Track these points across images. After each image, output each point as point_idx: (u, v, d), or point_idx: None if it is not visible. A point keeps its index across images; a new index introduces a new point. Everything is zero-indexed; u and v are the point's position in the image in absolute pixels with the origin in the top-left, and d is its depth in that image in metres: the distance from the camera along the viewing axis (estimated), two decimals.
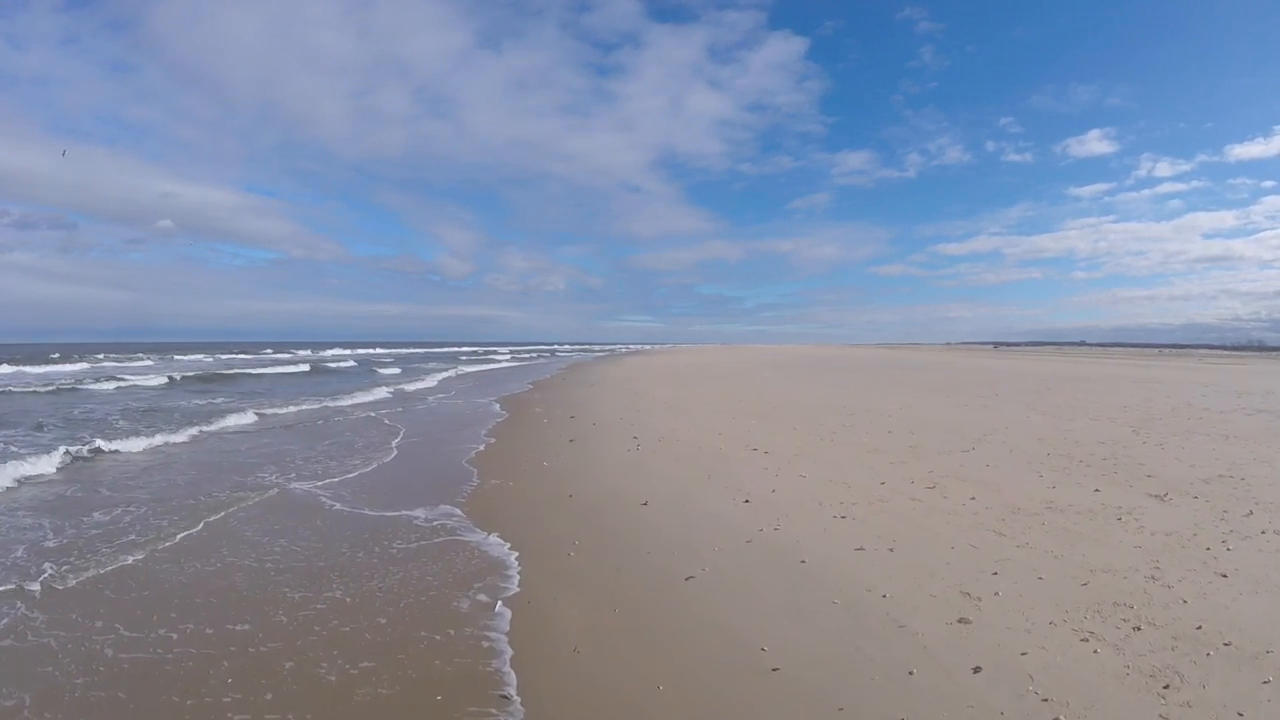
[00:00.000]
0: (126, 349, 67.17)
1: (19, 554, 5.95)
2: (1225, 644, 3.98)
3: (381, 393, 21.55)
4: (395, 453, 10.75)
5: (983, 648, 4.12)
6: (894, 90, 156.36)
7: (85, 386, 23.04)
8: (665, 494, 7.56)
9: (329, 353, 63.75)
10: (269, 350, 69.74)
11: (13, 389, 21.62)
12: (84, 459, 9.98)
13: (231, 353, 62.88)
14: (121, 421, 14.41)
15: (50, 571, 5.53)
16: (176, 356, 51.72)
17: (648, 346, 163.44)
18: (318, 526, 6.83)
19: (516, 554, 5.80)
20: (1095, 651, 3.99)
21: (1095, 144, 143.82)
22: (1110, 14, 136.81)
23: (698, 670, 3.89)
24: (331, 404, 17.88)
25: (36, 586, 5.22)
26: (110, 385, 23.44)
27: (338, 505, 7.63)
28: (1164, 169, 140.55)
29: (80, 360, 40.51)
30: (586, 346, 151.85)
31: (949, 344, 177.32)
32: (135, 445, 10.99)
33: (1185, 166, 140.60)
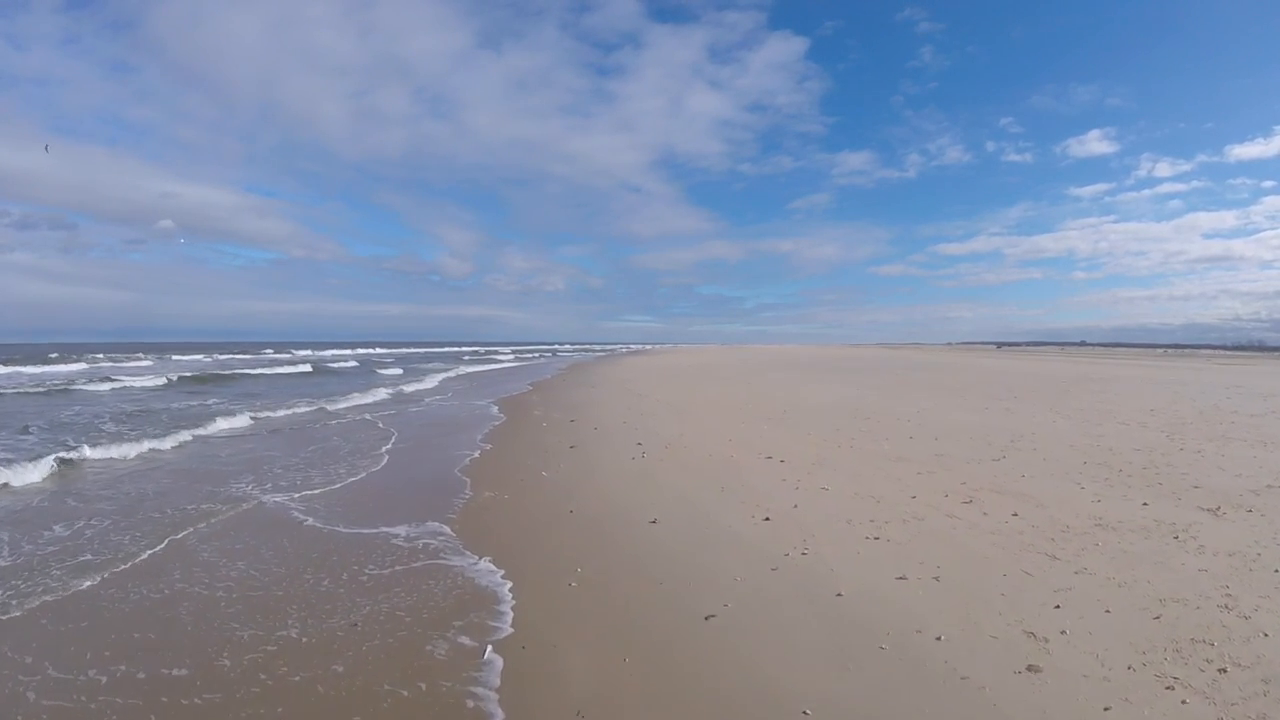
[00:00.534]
0: (126, 349, 66.63)
1: None
2: None
3: (379, 394, 20.91)
4: (385, 460, 10.05)
5: (1060, 703, 3.49)
6: (894, 90, 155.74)
7: (78, 388, 22.57)
8: (676, 509, 6.84)
9: (330, 353, 63.16)
10: (269, 350, 69.27)
11: (5, 390, 21.07)
12: (66, 464, 9.46)
13: (231, 353, 62.37)
14: (109, 425, 13.88)
15: None
16: (176, 357, 51.35)
17: (649, 346, 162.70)
18: (283, 547, 6.15)
19: (510, 584, 5.08)
20: (1184, 702, 3.42)
21: (1095, 144, 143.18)
22: (1110, 14, 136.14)
23: None
24: (327, 406, 17.19)
25: None
26: (105, 387, 23.01)
27: (311, 521, 6.94)
28: (1164, 169, 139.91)
29: (78, 360, 40.35)
30: (587, 347, 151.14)
31: (948, 344, 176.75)
32: (116, 452, 10.35)
33: (1185, 166, 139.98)
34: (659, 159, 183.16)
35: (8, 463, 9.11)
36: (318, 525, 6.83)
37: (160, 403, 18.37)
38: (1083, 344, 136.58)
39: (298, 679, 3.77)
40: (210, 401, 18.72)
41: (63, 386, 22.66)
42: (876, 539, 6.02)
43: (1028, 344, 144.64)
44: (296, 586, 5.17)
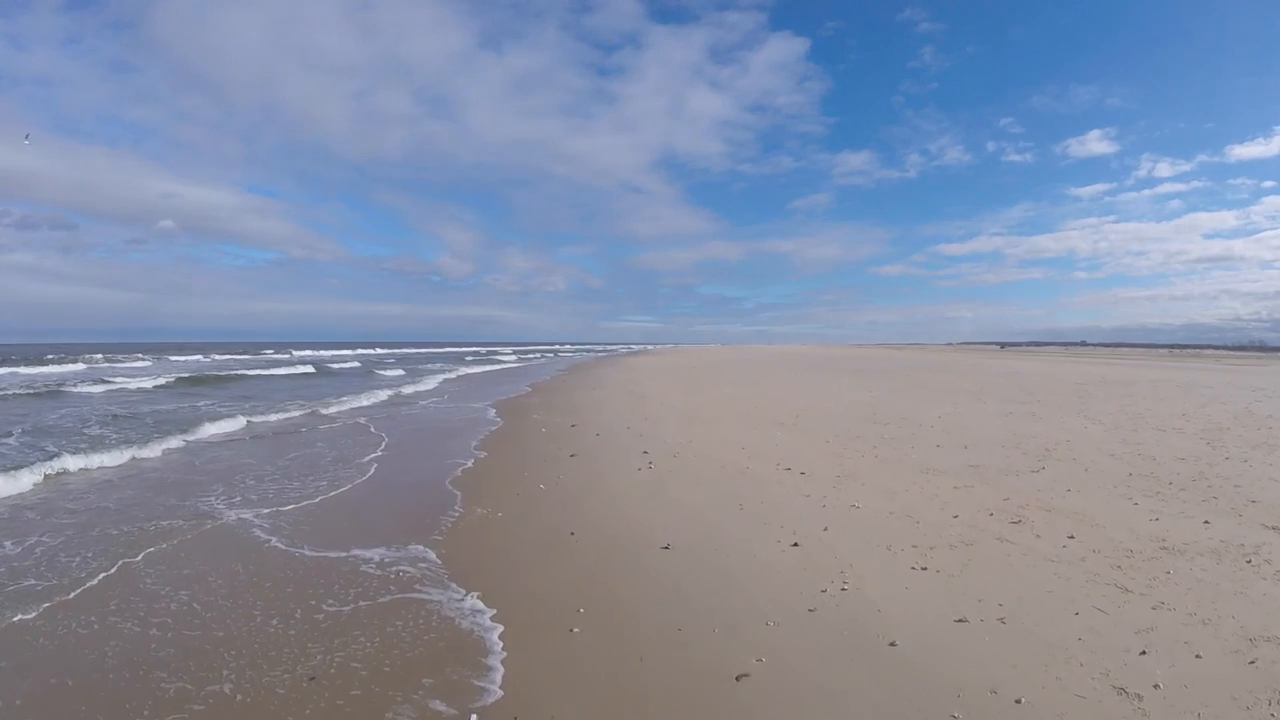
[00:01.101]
0: (125, 350, 66.08)
1: None
2: None
3: (376, 397, 20.17)
4: (371, 470, 9.26)
5: None
6: (894, 91, 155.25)
7: (70, 390, 21.94)
8: (690, 532, 6.06)
9: (330, 354, 62.45)
10: (269, 351, 68.60)
11: None
12: (38, 473, 8.75)
13: (231, 353, 61.71)
14: (94, 429, 13.21)
15: None
16: (175, 357, 50.91)
17: (650, 347, 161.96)
18: (236, 574, 5.40)
19: (500, 628, 4.29)
20: None
21: (1095, 144, 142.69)
22: (1110, 14, 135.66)
23: None
24: (322, 410, 16.42)
25: None
26: (98, 388, 22.51)
27: (275, 542, 6.20)
28: (1164, 169, 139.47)
29: (76, 361, 40.02)
30: (589, 347, 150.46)
31: (949, 344, 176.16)
32: (92, 461, 9.57)
33: (1185, 167, 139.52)
34: (659, 159, 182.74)
35: None
36: (281, 547, 6.07)
37: (151, 405, 17.69)
38: (1083, 344, 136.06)
39: None
40: (202, 404, 18.03)
41: (55, 388, 22.06)
42: (924, 569, 5.25)
43: (1028, 344, 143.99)
44: (240, 626, 4.41)
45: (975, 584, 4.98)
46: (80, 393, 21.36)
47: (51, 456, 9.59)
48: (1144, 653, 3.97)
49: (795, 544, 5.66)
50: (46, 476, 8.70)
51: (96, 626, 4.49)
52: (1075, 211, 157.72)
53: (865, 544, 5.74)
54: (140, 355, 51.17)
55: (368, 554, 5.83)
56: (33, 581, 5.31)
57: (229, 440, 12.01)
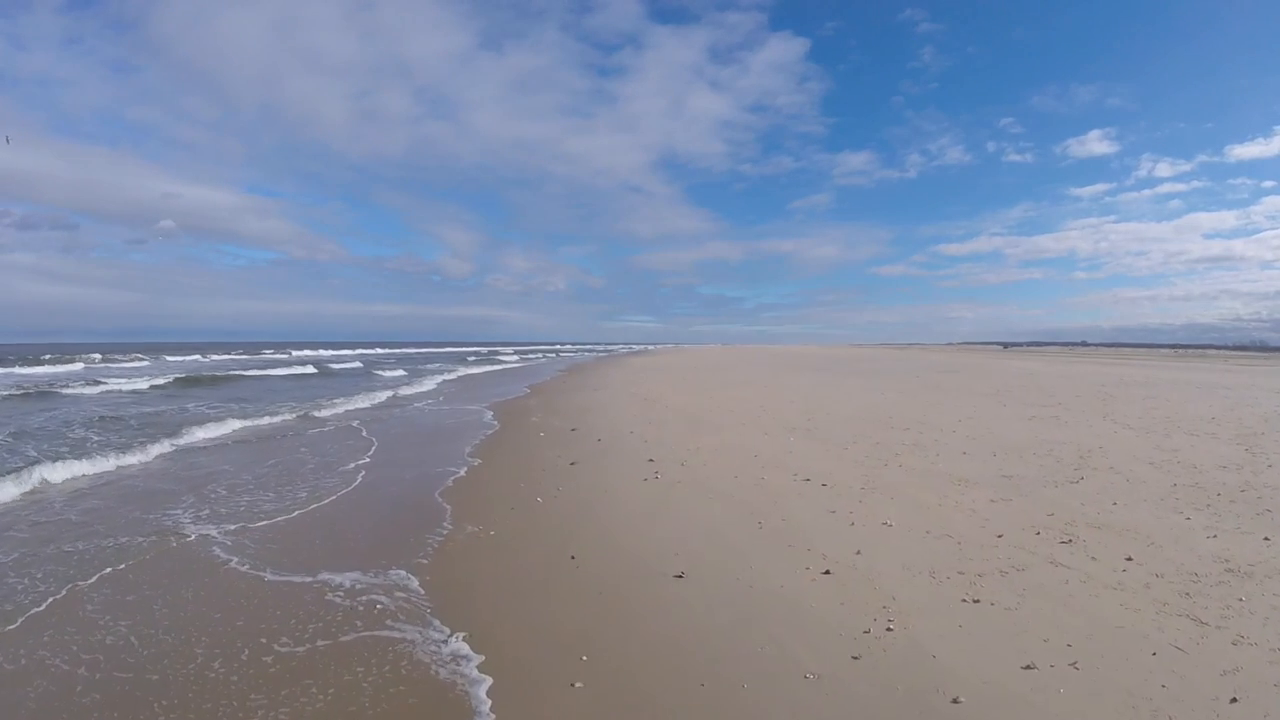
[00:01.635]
0: (124, 350, 65.60)
1: None
2: None
3: (373, 398, 19.58)
4: (357, 479, 8.60)
5: None
6: (895, 91, 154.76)
7: (61, 391, 21.42)
8: (705, 556, 5.38)
9: (329, 354, 61.81)
10: (268, 351, 68.01)
11: None
12: (21, 483, 8.20)
13: (231, 354, 61.12)
14: (79, 432, 12.71)
15: None
16: (174, 358, 50.42)
17: (650, 347, 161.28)
18: (185, 602, 4.80)
19: (489, 680, 3.61)
20: None
21: (1096, 144, 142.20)
22: (1110, 14, 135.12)
23: None
24: (315, 412, 15.77)
25: None
26: (92, 390, 22.08)
27: (236, 563, 5.60)
28: (1164, 169, 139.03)
29: (74, 362, 39.67)
30: (589, 347, 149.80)
31: (950, 344, 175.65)
32: (68, 469, 8.90)
33: (1185, 166, 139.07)
34: (660, 159, 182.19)
35: None
36: (241, 570, 5.45)
37: (141, 408, 17.11)
38: (1083, 344, 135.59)
39: None
40: (192, 406, 17.45)
41: (47, 390, 21.53)
42: (976, 602, 4.58)
43: (1028, 344, 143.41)
44: (177, 668, 3.79)
45: (1036, 619, 4.33)
46: (72, 394, 20.92)
47: (30, 463, 9.04)
48: (1235, 700, 3.42)
49: (826, 571, 4.98)
50: (17, 485, 8.10)
51: (24, 662, 3.94)
52: (1075, 211, 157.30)
53: (905, 571, 5.07)
54: (139, 356, 50.76)
55: (338, 579, 5.17)
56: None
57: (213, 445, 11.37)
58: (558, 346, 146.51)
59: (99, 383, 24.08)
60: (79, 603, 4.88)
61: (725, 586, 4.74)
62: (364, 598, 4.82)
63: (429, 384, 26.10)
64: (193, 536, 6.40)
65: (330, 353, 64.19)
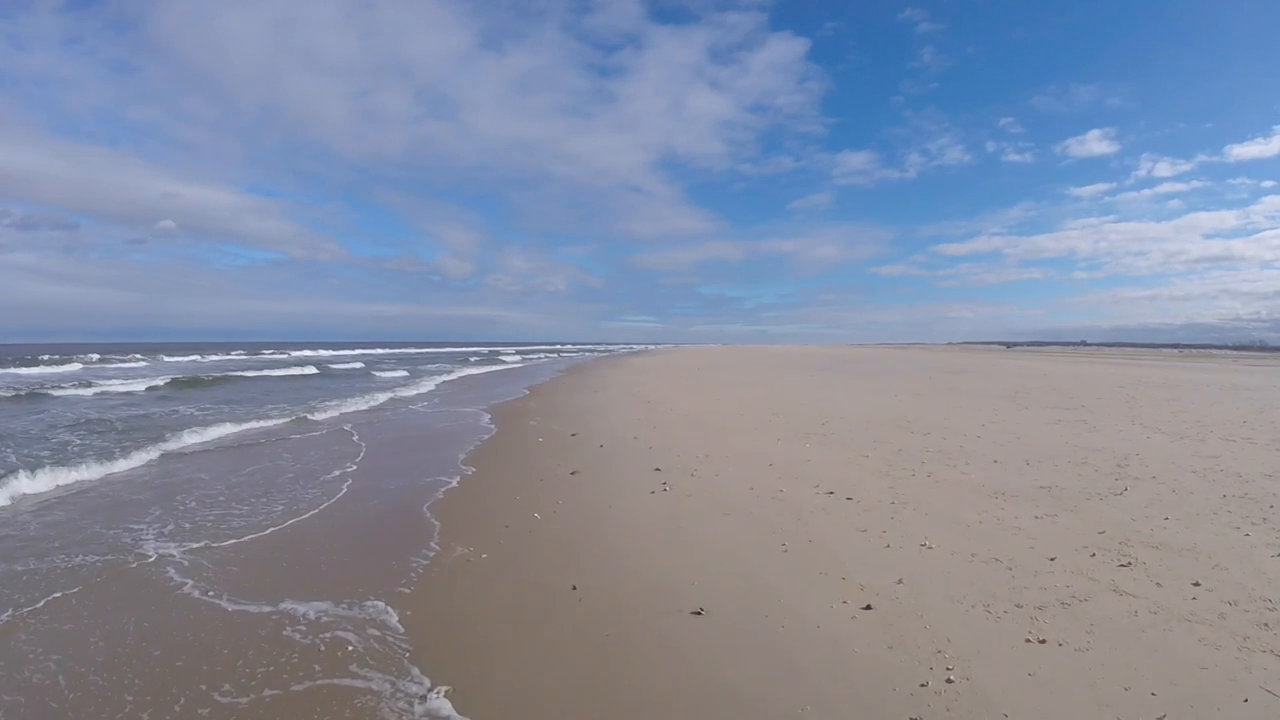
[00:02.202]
0: (123, 350, 65.14)
1: None
2: None
3: (369, 400, 18.96)
4: (341, 490, 7.94)
5: None
6: (894, 91, 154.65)
7: (53, 393, 20.82)
8: (726, 586, 4.71)
9: (329, 354, 61.22)
10: (268, 351, 67.43)
11: None
12: None
13: (230, 354, 60.53)
14: (63, 435, 12.16)
15: None
16: (174, 358, 49.79)
17: (651, 346, 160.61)
18: (126, 634, 4.23)
19: None
20: None
21: (1095, 144, 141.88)
22: (1110, 14, 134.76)
23: None
24: (309, 415, 15.13)
25: None
26: (85, 391, 21.56)
27: (190, 588, 5.03)
28: (1164, 169, 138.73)
29: (71, 362, 39.12)
30: (589, 347, 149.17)
31: (950, 344, 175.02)
32: (39, 480, 8.19)
33: (1185, 166, 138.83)
34: (660, 159, 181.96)
35: None
36: (195, 597, 4.85)
37: (131, 411, 16.48)
38: (1083, 344, 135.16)
39: None
40: (185, 409, 16.80)
41: (39, 391, 20.96)
42: (1042, 642, 3.93)
43: (1028, 344, 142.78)
44: (102, 718, 3.13)
45: (1112, 662, 3.70)
46: (64, 396, 20.38)
47: (4, 471, 8.45)
48: None
49: (867, 606, 4.32)
50: None
51: None
52: (1075, 211, 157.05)
53: (956, 604, 4.42)
54: (137, 356, 50.18)
55: (303, 610, 4.53)
56: None
57: (196, 451, 10.74)
58: (558, 346, 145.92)
59: (90, 384, 23.61)
60: (14, 632, 4.32)
61: (752, 625, 4.08)
62: (329, 634, 4.17)
63: (428, 385, 25.48)
64: (152, 556, 5.78)
65: (330, 353, 63.59)
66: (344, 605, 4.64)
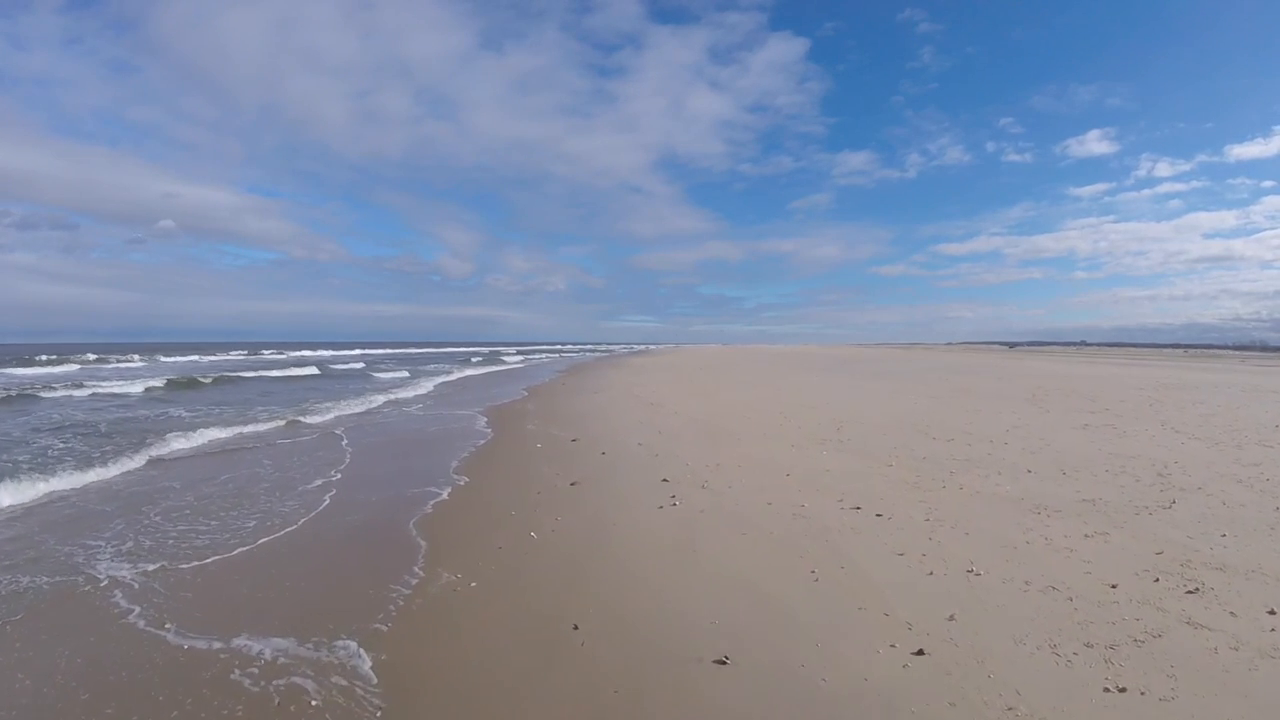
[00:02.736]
0: (123, 350, 64.56)
1: None
2: None
3: (366, 402, 18.36)
4: (323, 503, 7.31)
5: None
6: (894, 91, 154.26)
7: (47, 394, 20.24)
8: (752, 624, 4.08)
9: (331, 354, 60.60)
10: (268, 351, 66.85)
11: None
12: None
13: (230, 354, 59.94)
14: (45, 440, 11.57)
15: None
16: (174, 358, 49.25)
17: (651, 347, 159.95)
18: (55, 672, 3.72)
19: None
20: None
21: (1095, 144, 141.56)
22: (1110, 14, 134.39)
23: None
24: (302, 419, 14.49)
25: None
26: (78, 393, 20.99)
27: (137, 617, 4.48)
28: (1164, 169, 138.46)
29: (69, 362, 38.62)
30: (589, 347, 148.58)
31: (951, 344, 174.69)
32: (5, 496, 7.55)
33: (1185, 166, 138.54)
34: (660, 159, 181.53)
35: None
36: (141, 627, 4.31)
37: (121, 413, 15.87)
38: (1083, 344, 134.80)
39: None
40: (177, 412, 16.17)
41: (29, 392, 20.36)
42: (1122, 690, 3.35)
43: (1028, 344, 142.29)
44: None
45: (1201, 713, 3.10)
46: (55, 397, 19.79)
47: None
48: None
49: (919, 651, 3.69)
50: None
51: None
52: (1075, 211, 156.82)
53: (1018, 644, 3.79)
54: (135, 356, 49.59)
55: (258, 648, 3.93)
56: None
57: (178, 457, 10.12)
58: (559, 346, 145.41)
59: (83, 385, 23.02)
60: None
61: (787, 678, 3.44)
62: (285, 681, 3.55)
63: (427, 386, 24.89)
64: (103, 579, 5.18)
65: (331, 353, 62.95)
66: (309, 645, 4.01)
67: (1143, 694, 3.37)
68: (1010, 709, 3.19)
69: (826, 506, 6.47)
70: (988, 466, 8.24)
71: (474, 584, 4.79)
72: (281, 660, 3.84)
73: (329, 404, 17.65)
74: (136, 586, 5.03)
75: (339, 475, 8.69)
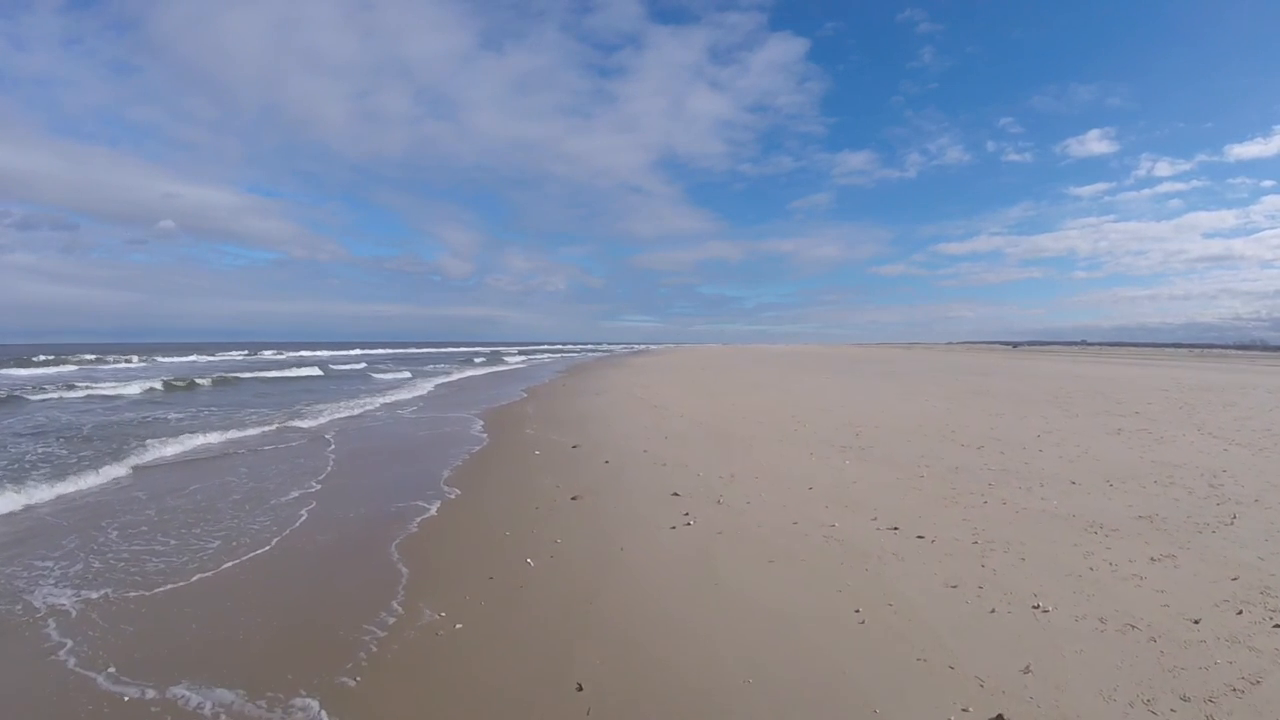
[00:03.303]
0: (122, 350, 64.06)
1: None
2: None
3: (362, 404, 17.73)
4: (297, 521, 6.62)
5: None
6: (894, 91, 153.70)
7: (35, 397, 19.60)
8: (793, 682, 3.36)
9: (333, 354, 59.92)
10: (269, 351, 66.15)
11: None
12: None
13: (231, 354, 59.34)
14: (24, 445, 10.97)
15: None
16: (174, 359, 48.69)
17: (652, 346, 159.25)
18: None
19: None
20: None
21: (1095, 144, 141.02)
22: (1110, 14, 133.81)
23: None
24: (295, 422, 13.84)
25: None
26: (70, 394, 20.45)
27: (69, 650, 3.97)
28: (1164, 169, 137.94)
29: (66, 363, 38.22)
30: (589, 346, 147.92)
31: (952, 343, 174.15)
32: None
33: (1185, 166, 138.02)
34: (660, 159, 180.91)
35: None
36: (70, 666, 3.78)
37: (109, 417, 15.21)
38: (1083, 343, 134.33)
39: None
40: (170, 415, 15.51)
41: (17, 394, 19.71)
42: None
43: (1029, 344, 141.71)
44: None
45: None
46: (44, 399, 19.16)
47: None
48: None
49: (999, 718, 3.02)
50: None
51: None
52: (1075, 211, 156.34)
53: (1108, 701, 3.13)
54: (134, 357, 48.98)
55: (197, 701, 3.32)
56: None
57: (160, 465, 9.47)
58: (560, 346, 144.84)
59: (73, 386, 22.42)
60: None
61: None
62: None
63: (426, 387, 24.24)
64: (40, 608, 4.55)
65: (332, 353, 62.26)
66: (260, 701, 3.35)
67: None
68: None
69: (860, 526, 5.78)
70: (1027, 477, 7.56)
71: (459, 625, 4.10)
72: (227, 717, 3.19)
73: (324, 406, 17.01)
74: (74, 616, 4.41)
75: (319, 487, 8.01)
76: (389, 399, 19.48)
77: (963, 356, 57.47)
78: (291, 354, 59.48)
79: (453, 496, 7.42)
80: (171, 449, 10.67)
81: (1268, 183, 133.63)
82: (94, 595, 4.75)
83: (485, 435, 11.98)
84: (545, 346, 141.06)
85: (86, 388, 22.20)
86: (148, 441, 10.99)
